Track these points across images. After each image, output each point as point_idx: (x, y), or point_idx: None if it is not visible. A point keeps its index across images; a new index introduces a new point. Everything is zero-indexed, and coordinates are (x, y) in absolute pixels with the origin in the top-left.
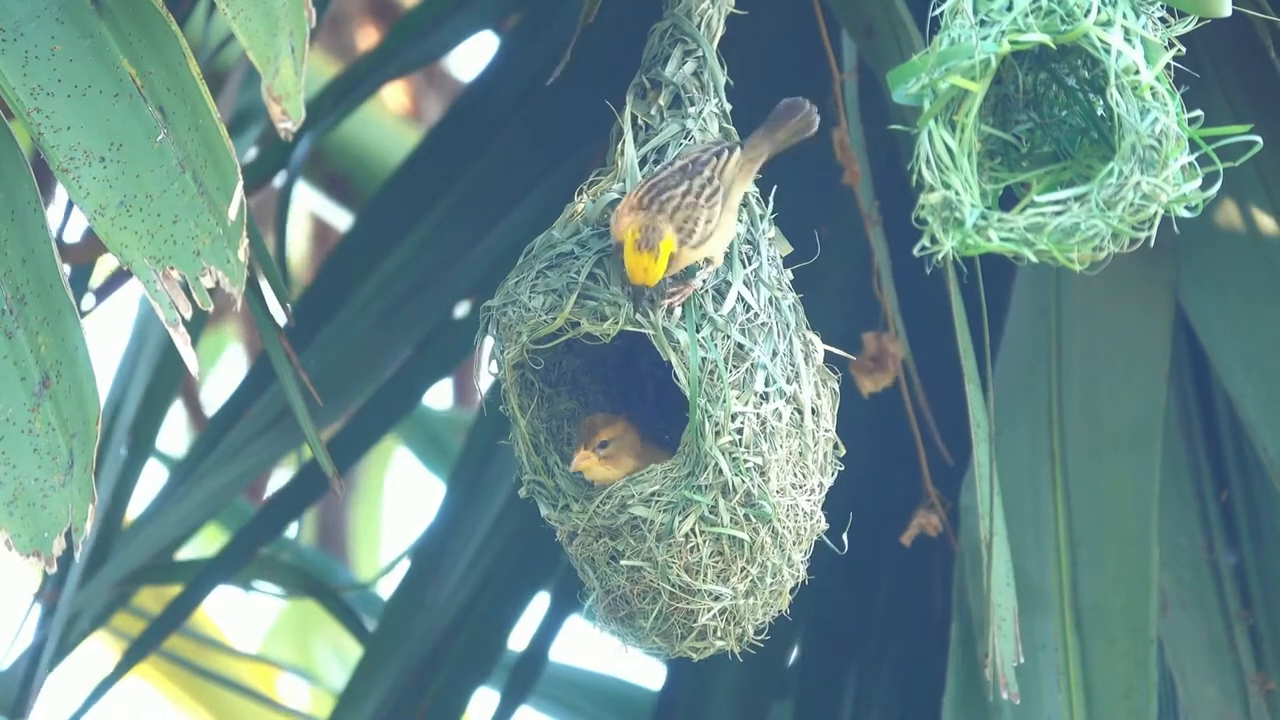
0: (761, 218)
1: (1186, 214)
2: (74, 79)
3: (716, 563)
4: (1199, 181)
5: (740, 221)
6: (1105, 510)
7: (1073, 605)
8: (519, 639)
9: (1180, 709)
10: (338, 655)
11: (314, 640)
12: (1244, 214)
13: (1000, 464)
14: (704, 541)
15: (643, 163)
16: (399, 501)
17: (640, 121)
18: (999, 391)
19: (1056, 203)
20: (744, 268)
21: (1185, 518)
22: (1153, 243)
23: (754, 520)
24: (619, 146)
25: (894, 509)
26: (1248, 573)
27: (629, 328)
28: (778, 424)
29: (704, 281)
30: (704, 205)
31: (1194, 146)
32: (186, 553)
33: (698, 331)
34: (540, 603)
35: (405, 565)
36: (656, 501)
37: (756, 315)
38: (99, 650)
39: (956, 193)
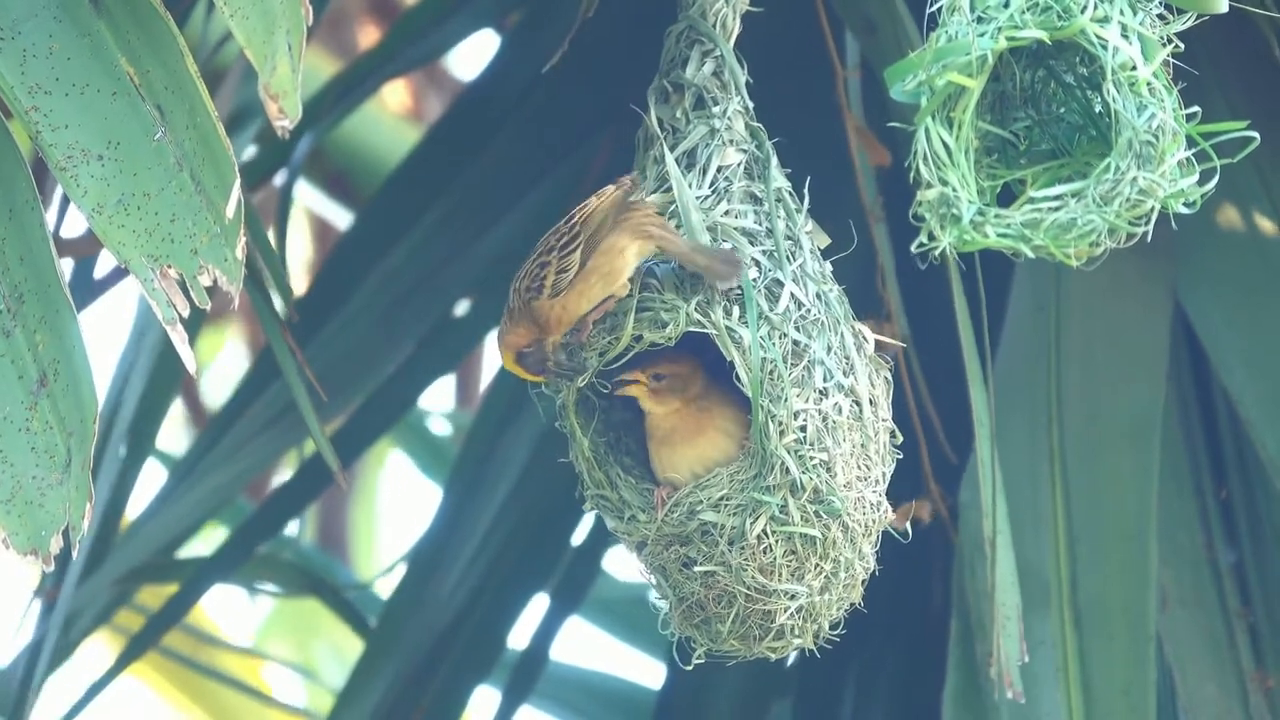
0: (798, 211)
1: (1184, 210)
2: (72, 77)
3: (791, 561)
4: (1196, 177)
5: (779, 216)
6: (1104, 507)
7: (1072, 602)
8: (519, 638)
9: (1179, 706)
10: (336, 653)
11: (313, 638)
12: (1243, 212)
13: (999, 460)
14: (776, 541)
15: None
16: (399, 500)
17: (666, 125)
18: (998, 388)
19: (1053, 198)
20: (790, 264)
21: (1184, 515)
22: (1149, 238)
23: (824, 516)
24: (650, 154)
25: (895, 506)
26: (1247, 570)
27: (691, 328)
28: (839, 418)
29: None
30: (555, 257)
31: (1192, 143)
32: (188, 551)
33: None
34: (540, 602)
35: (406, 563)
36: (725, 505)
37: (809, 311)
38: (98, 648)
39: (954, 189)
